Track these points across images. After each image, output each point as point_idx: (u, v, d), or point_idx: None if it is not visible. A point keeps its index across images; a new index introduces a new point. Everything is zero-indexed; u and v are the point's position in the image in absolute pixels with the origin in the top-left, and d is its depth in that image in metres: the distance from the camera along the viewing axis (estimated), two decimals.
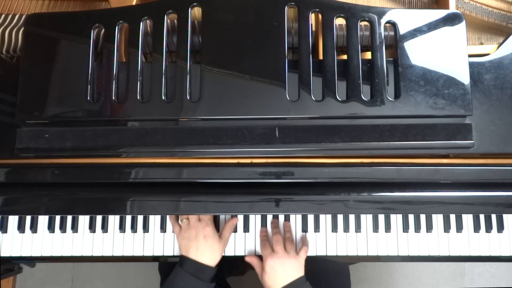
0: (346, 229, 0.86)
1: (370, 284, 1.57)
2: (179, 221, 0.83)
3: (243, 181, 0.72)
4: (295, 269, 0.77)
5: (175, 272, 0.77)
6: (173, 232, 0.85)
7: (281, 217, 0.86)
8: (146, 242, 0.86)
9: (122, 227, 0.86)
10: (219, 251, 0.79)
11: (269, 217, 0.86)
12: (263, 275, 0.77)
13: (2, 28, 0.78)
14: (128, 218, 0.87)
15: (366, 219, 0.86)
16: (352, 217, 0.86)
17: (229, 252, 0.85)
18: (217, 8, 0.70)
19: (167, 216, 0.86)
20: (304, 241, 0.84)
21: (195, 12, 0.75)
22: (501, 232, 0.84)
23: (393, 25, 0.69)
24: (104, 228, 0.86)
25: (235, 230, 0.86)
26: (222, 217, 0.87)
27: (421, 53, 0.68)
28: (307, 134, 0.67)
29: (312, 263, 0.84)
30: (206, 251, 0.77)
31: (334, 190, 0.73)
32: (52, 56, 0.70)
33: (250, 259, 0.82)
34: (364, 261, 0.82)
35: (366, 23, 0.70)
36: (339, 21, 0.71)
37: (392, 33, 0.70)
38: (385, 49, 0.69)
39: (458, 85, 0.67)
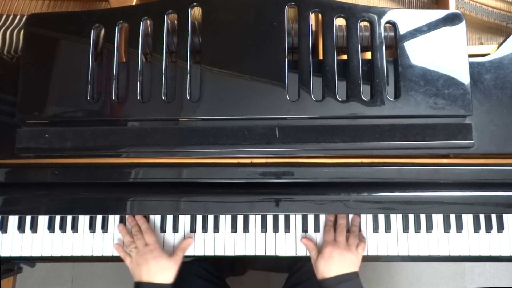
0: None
1: (370, 284, 1.56)
2: (129, 251, 0.83)
3: (243, 181, 0.72)
4: (351, 263, 0.77)
5: None
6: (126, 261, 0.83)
7: (281, 217, 0.86)
8: None
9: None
10: (171, 270, 0.79)
11: (269, 217, 0.86)
12: (319, 259, 0.78)
13: (3, 29, 0.78)
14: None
15: (366, 219, 0.86)
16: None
17: (229, 252, 0.85)
18: (217, 8, 0.70)
19: (167, 217, 0.86)
20: (361, 238, 0.83)
21: (195, 12, 0.75)
22: (501, 232, 0.84)
23: (393, 25, 0.69)
24: (104, 228, 0.86)
25: (235, 230, 0.86)
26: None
27: (421, 53, 0.68)
28: (307, 134, 0.67)
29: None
30: (158, 271, 0.77)
31: (334, 190, 0.73)
32: (52, 56, 0.70)
33: (306, 242, 0.82)
34: (364, 261, 0.82)
35: (366, 23, 0.70)
36: (339, 21, 0.71)
37: (392, 33, 0.70)
38: (385, 49, 0.69)
39: (458, 85, 0.67)
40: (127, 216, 0.85)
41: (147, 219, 0.86)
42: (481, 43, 0.86)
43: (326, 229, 0.83)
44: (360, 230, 0.85)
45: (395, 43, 0.69)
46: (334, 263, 0.76)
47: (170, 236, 0.86)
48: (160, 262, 0.78)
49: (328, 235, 0.81)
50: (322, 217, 0.86)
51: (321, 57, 0.70)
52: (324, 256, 0.77)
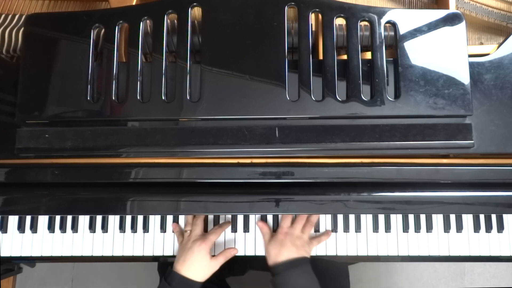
0: (346, 229, 0.86)
1: (370, 284, 1.56)
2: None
3: (243, 181, 0.72)
4: (302, 250, 0.79)
5: (160, 285, 0.77)
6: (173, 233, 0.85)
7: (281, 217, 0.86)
8: (146, 242, 0.86)
9: (122, 227, 0.86)
10: (208, 270, 0.79)
11: (269, 217, 0.86)
12: (271, 243, 0.79)
13: (2, 28, 0.78)
14: (128, 218, 0.87)
15: (366, 219, 0.86)
16: (352, 217, 0.86)
17: None
18: (217, 8, 0.70)
19: (167, 217, 0.86)
20: (324, 234, 0.84)
21: (195, 12, 0.75)
22: (501, 232, 0.84)
23: (393, 25, 0.69)
24: (104, 228, 0.86)
25: (235, 230, 0.86)
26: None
27: (421, 53, 0.68)
28: (307, 134, 0.67)
29: (311, 263, 0.84)
30: (194, 266, 0.77)
31: (334, 190, 0.73)
32: (52, 56, 0.70)
33: (261, 225, 0.84)
34: (364, 261, 0.82)
35: (366, 23, 0.70)
36: (339, 21, 0.71)
37: (392, 33, 0.70)
38: (385, 49, 0.69)
39: (458, 85, 0.67)
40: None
41: (147, 219, 0.86)
42: (481, 43, 0.86)
43: (284, 216, 0.84)
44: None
45: (395, 43, 0.69)
46: (285, 249, 0.78)
47: (170, 236, 0.86)
48: (201, 258, 0.78)
49: (284, 221, 0.82)
50: (322, 217, 0.86)
51: (321, 57, 0.70)
52: (276, 241, 0.79)
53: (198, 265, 0.77)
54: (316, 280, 0.76)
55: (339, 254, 0.85)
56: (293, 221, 0.83)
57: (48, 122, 0.69)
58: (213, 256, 0.81)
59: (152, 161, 0.72)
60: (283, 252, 0.77)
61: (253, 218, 0.87)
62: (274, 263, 0.77)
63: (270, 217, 0.86)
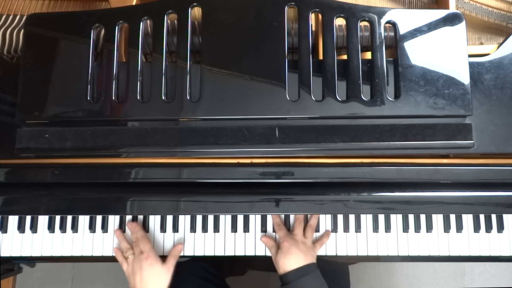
0: (346, 229, 0.86)
1: (370, 284, 1.56)
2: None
3: (243, 181, 0.72)
4: (309, 254, 0.78)
5: None
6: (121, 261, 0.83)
7: (281, 217, 0.86)
8: None
9: (122, 227, 0.86)
10: (164, 278, 0.78)
11: (269, 217, 0.86)
12: (279, 255, 0.78)
13: (3, 29, 0.78)
14: (128, 218, 0.87)
15: (366, 219, 0.86)
16: (352, 217, 0.86)
17: (229, 252, 0.85)
18: (217, 8, 0.70)
19: (167, 217, 0.86)
20: (324, 235, 0.84)
21: (195, 12, 0.76)
22: (501, 232, 0.84)
23: (393, 25, 0.69)
24: (104, 228, 0.86)
25: (235, 230, 0.86)
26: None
27: (421, 53, 0.68)
28: (307, 134, 0.67)
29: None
30: (151, 280, 0.77)
31: (334, 190, 0.73)
32: (52, 56, 0.70)
33: (266, 240, 0.83)
34: (364, 261, 0.82)
35: (366, 23, 0.70)
36: (339, 21, 0.71)
37: (392, 33, 0.70)
38: (385, 49, 0.69)
39: (458, 85, 0.68)
40: (127, 221, 0.85)
41: (147, 219, 0.87)
42: (481, 43, 0.86)
43: (277, 227, 0.83)
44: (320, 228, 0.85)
45: (395, 43, 0.69)
46: (293, 256, 0.77)
47: (170, 236, 0.86)
48: (153, 271, 0.77)
49: (280, 230, 0.82)
50: (322, 217, 0.86)
51: (321, 57, 0.70)
52: (283, 250, 0.78)
53: (154, 277, 0.77)
54: (326, 284, 0.76)
55: (339, 254, 0.85)
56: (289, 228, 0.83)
57: (48, 122, 0.69)
58: (162, 261, 0.80)
59: (152, 161, 0.72)
60: (291, 260, 0.76)
61: (253, 218, 0.87)
62: (284, 272, 0.76)
63: (270, 217, 0.86)
